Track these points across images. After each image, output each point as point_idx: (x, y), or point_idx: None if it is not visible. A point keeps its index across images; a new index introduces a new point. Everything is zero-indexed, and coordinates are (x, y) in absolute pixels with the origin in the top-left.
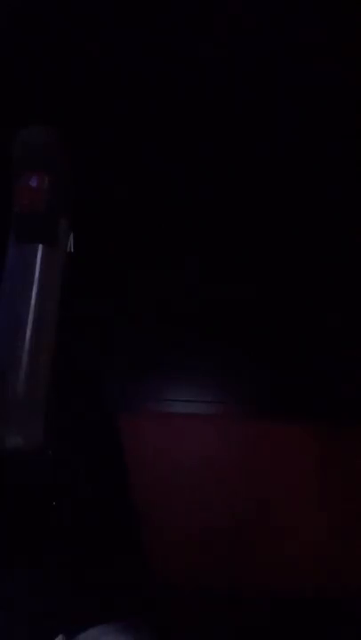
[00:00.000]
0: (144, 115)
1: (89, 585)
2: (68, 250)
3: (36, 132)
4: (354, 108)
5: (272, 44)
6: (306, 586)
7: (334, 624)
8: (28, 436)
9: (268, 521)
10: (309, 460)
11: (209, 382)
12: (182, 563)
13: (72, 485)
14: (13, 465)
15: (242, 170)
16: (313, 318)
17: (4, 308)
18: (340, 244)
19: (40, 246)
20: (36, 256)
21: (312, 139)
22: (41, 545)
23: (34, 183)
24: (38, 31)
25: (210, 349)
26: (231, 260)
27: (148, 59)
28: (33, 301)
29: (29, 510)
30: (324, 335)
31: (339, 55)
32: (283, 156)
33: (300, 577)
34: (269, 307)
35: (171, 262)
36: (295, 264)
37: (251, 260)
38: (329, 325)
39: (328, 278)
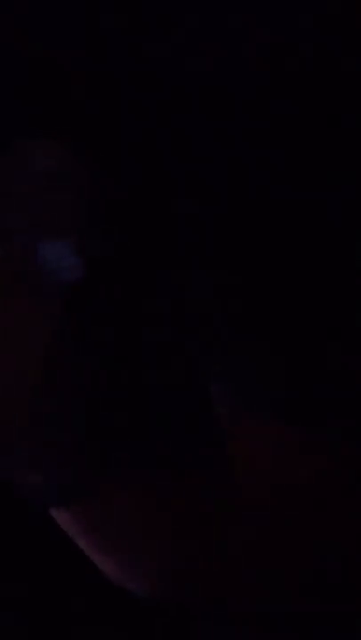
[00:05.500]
0: (145, 115)
1: None
2: None
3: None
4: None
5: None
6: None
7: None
8: None
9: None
10: (311, 461)
11: (218, 383)
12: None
13: None
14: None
15: (241, 170)
16: (314, 320)
17: None
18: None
19: None
20: None
21: (313, 139)
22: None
23: None
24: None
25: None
26: (230, 261)
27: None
28: None
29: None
30: (324, 337)
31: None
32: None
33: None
34: (270, 308)
35: (170, 262)
36: (295, 264)
37: (251, 259)
38: (330, 327)
39: (328, 281)
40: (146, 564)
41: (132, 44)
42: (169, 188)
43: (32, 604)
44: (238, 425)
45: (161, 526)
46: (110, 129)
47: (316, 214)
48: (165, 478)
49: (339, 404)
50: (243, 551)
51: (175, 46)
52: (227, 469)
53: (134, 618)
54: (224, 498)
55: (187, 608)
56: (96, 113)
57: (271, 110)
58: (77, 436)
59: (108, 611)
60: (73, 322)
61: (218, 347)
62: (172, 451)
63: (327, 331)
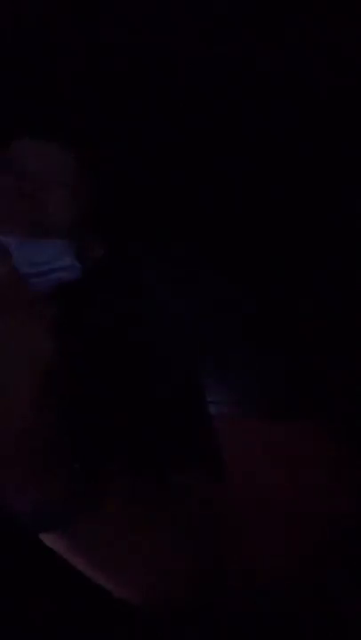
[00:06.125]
0: (144, 116)
1: None
2: None
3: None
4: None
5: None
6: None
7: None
8: None
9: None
10: (309, 461)
11: (208, 383)
12: None
13: None
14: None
15: (241, 171)
16: (312, 320)
17: None
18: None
19: None
20: None
21: (313, 136)
22: None
23: None
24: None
25: (207, 352)
26: (230, 265)
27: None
28: None
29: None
30: (322, 338)
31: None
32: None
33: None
34: (269, 309)
35: (168, 263)
36: (294, 265)
37: (250, 262)
38: (328, 328)
39: (325, 284)
40: (141, 576)
41: (132, 46)
42: (167, 190)
43: (33, 606)
44: (231, 424)
45: (153, 538)
46: (108, 130)
47: (317, 220)
48: (158, 487)
49: (331, 402)
50: (236, 555)
51: (176, 49)
52: (221, 472)
53: (134, 621)
54: (218, 503)
55: (181, 614)
56: (94, 114)
57: (275, 116)
58: (74, 447)
59: (108, 612)
60: (69, 322)
61: (213, 348)
62: (167, 456)
63: (322, 333)
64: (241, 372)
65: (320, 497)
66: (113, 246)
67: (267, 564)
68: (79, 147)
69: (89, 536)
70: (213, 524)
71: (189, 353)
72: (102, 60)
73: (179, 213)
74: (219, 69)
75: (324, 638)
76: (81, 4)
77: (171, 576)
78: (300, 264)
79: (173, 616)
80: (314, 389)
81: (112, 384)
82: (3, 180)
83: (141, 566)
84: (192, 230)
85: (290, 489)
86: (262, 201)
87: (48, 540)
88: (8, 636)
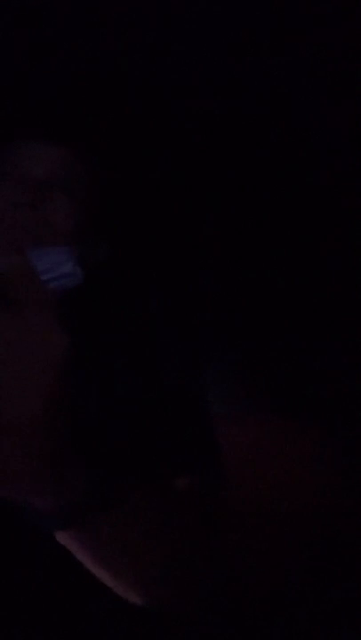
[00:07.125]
0: (145, 120)
1: None
2: None
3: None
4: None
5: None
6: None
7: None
8: None
9: (265, 520)
10: (308, 460)
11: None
12: None
13: None
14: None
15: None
16: (310, 320)
17: None
18: (341, 248)
19: None
20: None
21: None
22: None
23: None
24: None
25: (209, 351)
26: (228, 265)
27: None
28: None
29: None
30: (321, 338)
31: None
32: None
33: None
34: (268, 308)
35: (167, 268)
36: (293, 268)
37: (250, 264)
38: (327, 327)
39: (324, 284)
40: (147, 577)
41: (133, 50)
42: (167, 194)
43: (38, 607)
44: (233, 424)
45: (160, 542)
46: (110, 134)
47: (312, 225)
48: (164, 489)
49: (332, 402)
50: (238, 557)
51: (175, 53)
52: (222, 474)
53: (136, 621)
54: (220, 506)
55: (185, 614)
56: (97, 119)
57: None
58: (89, 445)
59: (110, 613)
60: (71, 328)
61: (211, 345)
62: (170, 459)
63: (323, 334)
64: (242, 371)
65: (320, 495)
66: (117, 252)
67: (268, 562)
68: (83, 150)
69: (101, 535)
70: (215, 525)
71: (190, 352)
72: (104, 62)
73: (179, 215)
74: (218, 71)
75: (323, 637)
76: (81, 5)
77: (175, 576)
78: (300, 264)
79: (175, 616)
80: (315, 389)
81: (114, 386)
82: (2, 188)
83: (148, 567)
84: (192, 231)
85: (290, 487)
86: (261, 203)
87: (62, 538)
88: (9, 636)
